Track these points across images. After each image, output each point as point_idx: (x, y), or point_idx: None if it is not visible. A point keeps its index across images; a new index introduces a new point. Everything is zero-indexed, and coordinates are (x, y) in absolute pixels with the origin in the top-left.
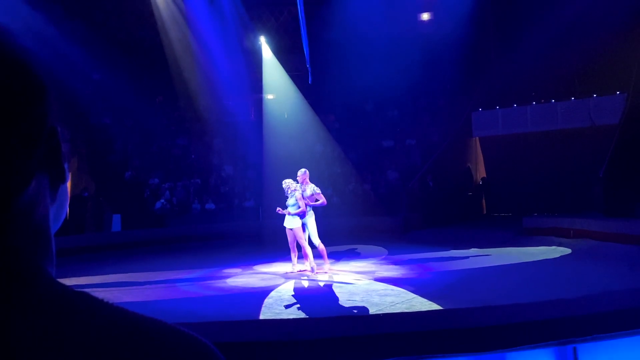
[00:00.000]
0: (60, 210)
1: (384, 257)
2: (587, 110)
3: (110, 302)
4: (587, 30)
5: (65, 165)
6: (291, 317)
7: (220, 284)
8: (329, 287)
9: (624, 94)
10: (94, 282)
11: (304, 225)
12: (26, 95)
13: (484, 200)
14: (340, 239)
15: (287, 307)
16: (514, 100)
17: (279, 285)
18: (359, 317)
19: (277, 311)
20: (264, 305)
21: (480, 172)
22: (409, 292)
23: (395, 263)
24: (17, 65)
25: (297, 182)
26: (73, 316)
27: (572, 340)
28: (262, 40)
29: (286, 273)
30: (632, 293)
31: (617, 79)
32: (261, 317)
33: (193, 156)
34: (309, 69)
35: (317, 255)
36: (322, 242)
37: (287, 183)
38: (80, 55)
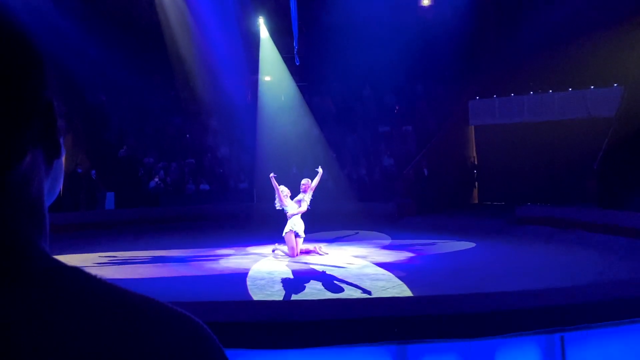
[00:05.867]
0: (55, 185)
1: (376, 242)
2: (584, 102)
3: (103, 278)
4: (586, 22)
5: (61, 140)
6: (282, 298)
7: (212, 264)
8: (321, 270)
9: (621, 87)
10: (87, 259)
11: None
12: (22, 67)
13: (476, 189)
14: (334, 224)
15: (278, 288)
16: (512, 89)
17: (271, 267)
18: (350, 300)
19: (269, 292)
20: (255, 286)
21: (475, 160)
22: (400, 278)
23: (388, 248)
24: (13, 36)
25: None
26: (66, 291)
27: (560, 329)
28: (261, 22)
29: (274, 252)
30: (621, 284)
31: (615, 72)
32: (253, 298)
33: (188, 136)
34: (296, 49)
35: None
36: (315, 225)
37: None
38: (76, 31)
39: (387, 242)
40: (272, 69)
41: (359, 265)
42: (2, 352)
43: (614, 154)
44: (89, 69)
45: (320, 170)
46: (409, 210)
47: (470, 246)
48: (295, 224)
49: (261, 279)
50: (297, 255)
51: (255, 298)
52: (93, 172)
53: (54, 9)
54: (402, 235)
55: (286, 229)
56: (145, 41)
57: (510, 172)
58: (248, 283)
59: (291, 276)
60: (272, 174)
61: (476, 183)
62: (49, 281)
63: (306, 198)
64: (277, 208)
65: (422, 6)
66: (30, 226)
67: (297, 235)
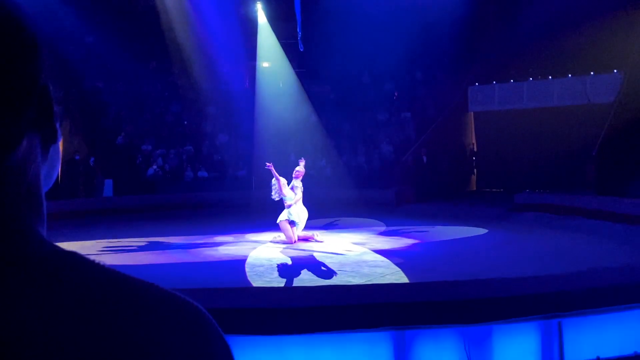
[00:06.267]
0: (52, 171)
1: (375, 229)
2: (584, 88)
3: (102, 263)
4: (587, 8)
5: (57, 125)
6: (281, 285)
7: (211, 251)
8: (319, 257)
9: (621, 73)
10: (85, 246)
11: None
12: (18, 50)
13: (475, 176)
14: (332, 211)
15: (277, 275)
16: (511, 75)
17: (270, 254)
18: (349, 286)
19: (268, 279)
20: (254, 273)
21: (474, 147)
22: (399, 264)
23: (386, 235)
24: (8, 20)
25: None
26: (65, 276)
27: (557, 315)
28: (259, 7)
29: (274, 240)
30: (619, 270)
31: (614, 58)
32: (252, 284)
33: (186, 123)
34: (299, 35)
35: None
36: (314, 212)
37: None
38: (73, 17)
39: (383, 228)
40: (270, 55)
41: (358, 252)
42: (0, 337)
43: (613, 140)
44: (86, 56)
45: (302, 162)
46: (407, 197)
47: (469, 233)
48: (299, 213)
49: (260, 266)
50: (295, 242)
51: (254, 285)
52: (92, 159)
53: None
54: (400, 222)
55: (281, 217)
56: (142, 27)
57: (509, 158)
58: (247, 270)
59: (290, 263)
60: (269, 164)
61: (475, 170)
62: (48, 266)
63: (297, 184)
64: (275, 199)
65: None
66: (27, 211)
67: (292, 223)
